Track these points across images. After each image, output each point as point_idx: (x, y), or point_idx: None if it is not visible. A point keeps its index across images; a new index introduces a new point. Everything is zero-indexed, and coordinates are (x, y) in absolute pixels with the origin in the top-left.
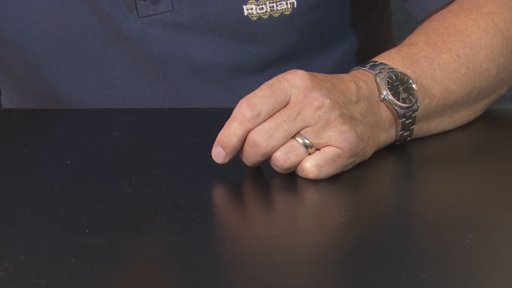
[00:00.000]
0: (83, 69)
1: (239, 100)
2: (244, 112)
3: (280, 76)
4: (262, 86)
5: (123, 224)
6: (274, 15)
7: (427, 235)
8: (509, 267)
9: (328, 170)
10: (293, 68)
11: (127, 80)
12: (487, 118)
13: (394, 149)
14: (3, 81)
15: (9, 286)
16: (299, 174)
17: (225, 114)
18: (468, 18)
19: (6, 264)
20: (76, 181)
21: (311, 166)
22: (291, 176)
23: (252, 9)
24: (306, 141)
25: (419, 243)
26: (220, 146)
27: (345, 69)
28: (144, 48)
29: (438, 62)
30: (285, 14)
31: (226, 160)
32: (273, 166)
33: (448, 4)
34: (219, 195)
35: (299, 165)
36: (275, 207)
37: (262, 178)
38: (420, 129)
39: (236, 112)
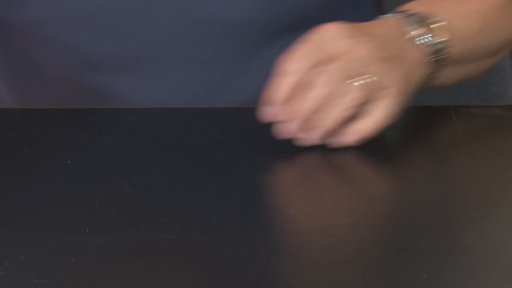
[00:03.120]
0: (111, 39)
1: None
2: (287, 65)
3: (316, 29)
4: (300, 40)
5: (123, 224)
6: None
7: (427, 235)
8: (509, 267)
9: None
10: (307, 34)
11: (146, 51)
12: (487, 117)
13: (394, 149)
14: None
15: (9, 286)
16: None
17: (225, 114)
18: None
19: (6, 264)
20: (76, 181)
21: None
22: (291, 176)
23: None
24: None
25: (419, 243)
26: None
27: None
28: (176, 9)
29: (475, 8)
30: None
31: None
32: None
33: None
34: (219, 195)
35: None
36: (275, 207)
37: (262, 178)
38: (457, 72)
39: (279, 69)
